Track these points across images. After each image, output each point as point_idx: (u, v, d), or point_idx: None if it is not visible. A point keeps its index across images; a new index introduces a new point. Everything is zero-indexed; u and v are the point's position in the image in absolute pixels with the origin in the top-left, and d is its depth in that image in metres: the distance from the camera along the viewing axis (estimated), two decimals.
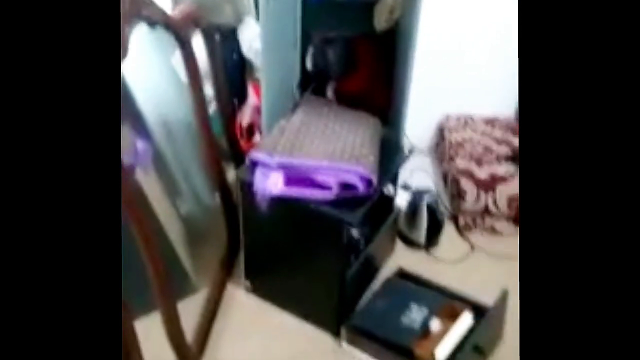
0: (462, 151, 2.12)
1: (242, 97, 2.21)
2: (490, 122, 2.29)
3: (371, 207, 1.48)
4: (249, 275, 1.76)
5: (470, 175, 2.00)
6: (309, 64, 1.86)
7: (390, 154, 1.63)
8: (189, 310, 1.58)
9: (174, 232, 1.82)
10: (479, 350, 1.47)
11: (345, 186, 1.43)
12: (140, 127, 1.77)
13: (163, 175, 1.84)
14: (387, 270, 1.83)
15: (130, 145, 1.54)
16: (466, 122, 2.29)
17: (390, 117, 1.74)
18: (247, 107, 2.19)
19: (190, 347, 1.54)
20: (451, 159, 2.12)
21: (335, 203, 1.43)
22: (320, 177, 1.43)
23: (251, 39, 2.07)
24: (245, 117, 2.18)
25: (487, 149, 2.13)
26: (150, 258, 1.30)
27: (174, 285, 1.44)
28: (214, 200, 1.98)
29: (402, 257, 1.90)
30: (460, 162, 2.07)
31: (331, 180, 1.42)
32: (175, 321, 1.43)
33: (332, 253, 1.53)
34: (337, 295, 1.60)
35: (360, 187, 1.42)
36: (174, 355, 1.45)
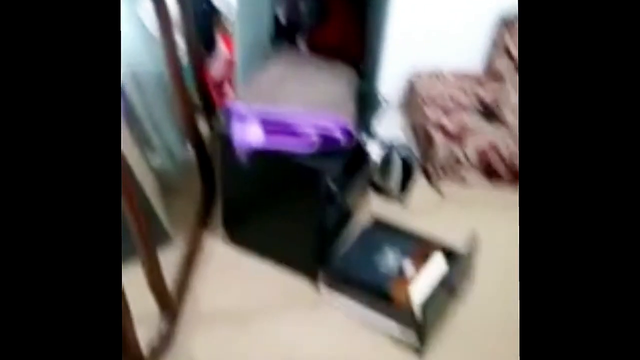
0: (432, 104, 2.17)
1: (212, 49, 2.18)
2: (460, 76, 2.34)
3: (349, 157, 1.51)
4: (226, 225, 1.79)
5: (440, 127, 2.06)
6: (281, 16, 1.84)
7: (365, 106, 1.65)
8: (167, 262, 1.59)
9: (148, 185, 1.80)
10: (452, 290, 1.55)
11: (325, 137, 1.45)
12: None
13: (134, 128, 1.81)
14: (361, 219, 1.89)
15: None
16: (436, 75, 2.33)
17: (363, 70, 1.75)
18: (218, 59, 2.16)
19: (171, 294, 1.56)
20: (422, 111, 2.17)
21: (314, 153, 1.45)
22: (300, 129, 1.44)
23: None
24: (215, 70, 2.15)
25: (457, 102, 2.19)
26: (130, 209, 1.30)
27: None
28: (187, 152, 1.97)
29: (375, 207, 1.96)
30: (431, 115, 2.12)
31: (311, 131, 1.43)
32: (157, 270, 1.45)
33: (310, 202, 1.56)
34: (315, 242, 1.65)
35: (340, 137, 1.44)
36: (156, 303, 1.48)
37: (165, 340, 1.51)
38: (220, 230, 1.81)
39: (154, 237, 1.54)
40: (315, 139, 1.44)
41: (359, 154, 1.78)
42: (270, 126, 1.47)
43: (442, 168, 2.07)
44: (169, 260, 1.67)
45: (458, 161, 2.02)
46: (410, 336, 1.50)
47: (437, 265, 1.57)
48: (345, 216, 1.82)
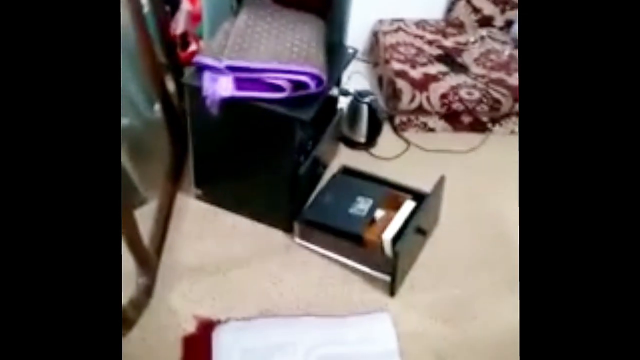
0: (396, 54, 2.20)
1: (175, 4, 2.13)
2: (421, 24, 2.37)
3: (321, 105, 1.53)
4: (199, 182, 1.80)
5: (405, 76, 2.10)
6: None
7: (334, 55, 1.66)
8: (142, 219, 1.60)
9: None
10: (421, 231, 1.63)
11: (296, 84, 1.46)
12: None
13: None
14: (332, 170, 1.93)
15: None
16: (399, 25, 2.35)
17: (331, 19, 1.75)
18: (181, 15, 2.12)
19: (148, 250, 1.59)
20: (386, 61, 2.20)
21: (286, 103, 1.46)
22: (271, 78, 1.44)
23: None
24: (179, 25, 2.11)
25: (420, 50, 2.22)
26: None
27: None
28: (154, 111, 1.96)
29: (345, 157, 2.01)
30: (395, 64, 2.15)
31: (282, 80, 1.44)
32: (133, 227, 1.46)
33: (283, 153, 1.59)
34: (289, 194, 1.68)
35: (312, 85, 1.46)
36: (134, 259, 1.49)
37: (145, 294, 1.54)
38: (193, 187, 1.82)
39: (127, 195, 1.55)
40: (286, 87, 1.45)
41: (328, 105, 1.81)
42: (241, 77, 1.47)
43: (407, 116, 2.12)
44: (144, 217, 1.69)
45: (422, 108, 2.08)
46: (383, 276, 1.58)
47: (406, 208, 1.64)
48: (317, 167, 1.85)
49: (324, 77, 1.47)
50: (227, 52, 1.48)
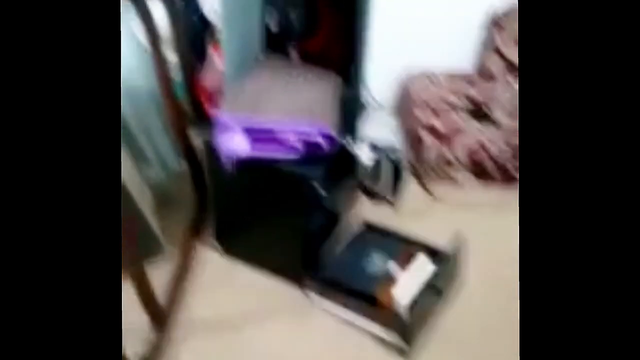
0: (423, 106, 2.17)
1: (205, 61, 2.21)
2: (450, 76, 2.34)
3: (333, 162, 1.53)
4: (218, 236, 1.81)
5: (431, 128, 2.06)
6: (271, 25, 1.86)
7: (351, 110, 1.67)
8: (160, 274, 1.63)
9: (142, 198, 1.84)
10: (437, 291, 1.56)
11: (307, 143, 1.47)
12: None
13: (128, 142, 1.85)
14: (352, 223, 1.89)
15: None
16: (428, 77, 2.33)
17: (351, 73, 1.76)
18: (211, 71, 2.19)
19: (161, 307, 1.59)
20: (413, 113, 2.18)
21: (298, 160, 1.48)
22: (282, 136, 1.46)
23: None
24: (209, 81, 2.18)
25: (447, 103, 2.19)
26: None
27: (143, 248, 1.47)
28: (181, 165, 2.00)
29: (366, 210, 1.97)
30: (422, 116, 2.12)
31: (294, 139, 1.46)
32: (145, 282, 1.47)
33: (296, 209, 1.58)
34: (303, 249, 1.66)
35: (324, 143, 1.47)
36: (146, 313, 1.50)
37: (155, 350, 1.53)
38: (212, 240, 1.83)
39: (142, 248, 1.58)
40: (298, 145, 1.46)
41: (345, 159, 1.80)
42: (254, 135, 1.49)
43: (433, 169, 2.07)
44: (162, 270, 1.71)
45: (448, 162, 2.02)
46: (396, 338, 1.51)
47: (422, 267, 1.58)
48: (333, 221, 1.83)
49: (336, 135, 1.47)
50: (242, 110, 1.51)
